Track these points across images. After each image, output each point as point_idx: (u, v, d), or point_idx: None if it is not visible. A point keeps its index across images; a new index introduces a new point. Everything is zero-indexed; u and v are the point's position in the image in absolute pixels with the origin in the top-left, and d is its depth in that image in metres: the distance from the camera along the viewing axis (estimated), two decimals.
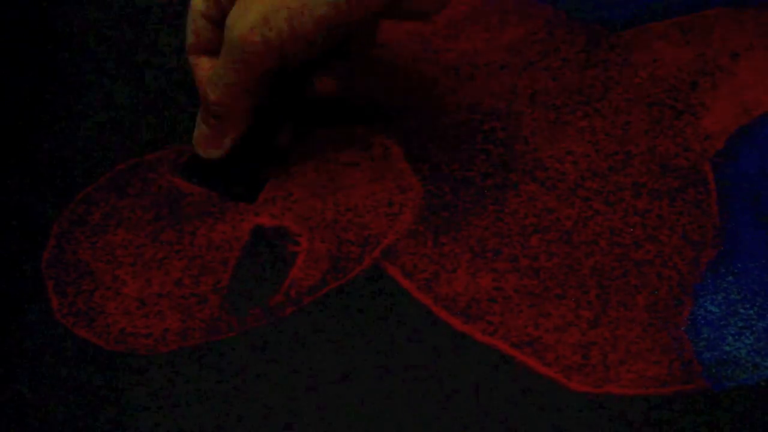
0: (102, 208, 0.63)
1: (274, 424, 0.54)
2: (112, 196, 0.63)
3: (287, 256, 0.60)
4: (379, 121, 0.65)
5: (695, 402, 0.53)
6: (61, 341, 0.58)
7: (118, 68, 0.70)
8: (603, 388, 0.54)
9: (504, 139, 0.64)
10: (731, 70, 0.66)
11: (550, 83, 0.67)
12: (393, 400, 0.55)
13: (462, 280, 0.59)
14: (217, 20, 0.61)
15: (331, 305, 0.58)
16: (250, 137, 0.62)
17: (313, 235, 0.61)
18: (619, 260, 0.59)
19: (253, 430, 0.54)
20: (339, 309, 0.58)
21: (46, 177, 0.65)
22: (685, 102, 0.65)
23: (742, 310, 0.56)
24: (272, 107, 0.62)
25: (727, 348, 0.55)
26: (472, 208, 0.61)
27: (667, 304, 0.57)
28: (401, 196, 0.62)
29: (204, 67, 0.62)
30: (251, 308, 0.58)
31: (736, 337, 0.55)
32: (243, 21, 0.58)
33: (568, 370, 0.55)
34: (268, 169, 0.63)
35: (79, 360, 0.57)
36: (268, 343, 0.57)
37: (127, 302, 0.59)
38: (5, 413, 0.55)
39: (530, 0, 0.71)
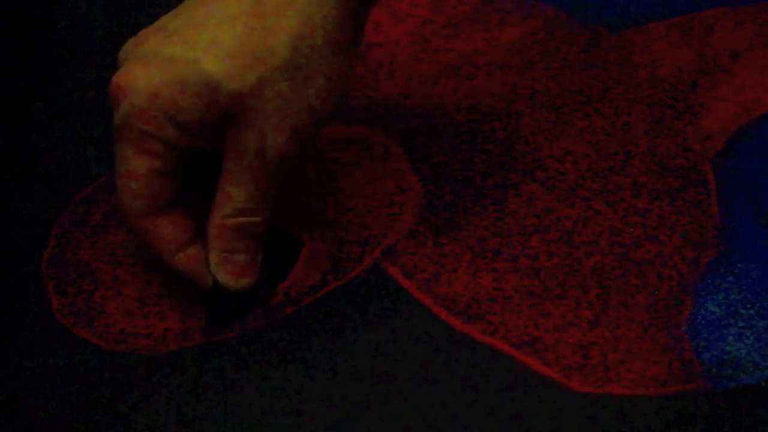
0: (102, 208, 0.63)
1: (274, 424, 0.54)
2: (112, 196, 0.63)
3: (287, 256, 0.60)
4: (379, 121, 0.65)
5: (695, 402, 0.53)
6: (61, 341, 0.58)
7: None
8: (603, 388, 0.54)
9: (504, 139, 0.64)
10: (731, 70, 0.66)
11: (550, 83, 0.67)
12: (393, 400, 0.55)
13: (462, 280, 0.59)
14: (176, 172, 0.56)
15: (331, 305, 0.58)
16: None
17: (313, 235, 0.61)
18: (619, 260, 0.59)
19: (253, 430, 0.54)
20: (339, 309, 0.58)
21: (46, 177, 0.65)
22: (685, 102, 0.65)
23: (742, 310, 0.56)
24: None
25: (728, 348, 0.55)
26: (472, 208, 0.61)
27: (667, 304, 0.57)
28: (401, 196, 0.62)
29: (164, 228, 0.56)
30: (251, 309, 0.58)
31: (737, 337, 0.55)
32: (274, 142, 0.55)
33: (568, 370, 0.55)
34: None
35: (79, 360, 0.57)
36: (268, 343, 0.57)
37: (127, 302, 0.59)
38: (5, 413, 0.55)
39: (530, 0, 0.71)
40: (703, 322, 0.56)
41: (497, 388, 0.54)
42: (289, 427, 0.54)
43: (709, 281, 0.58)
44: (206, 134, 0.55)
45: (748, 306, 0.57)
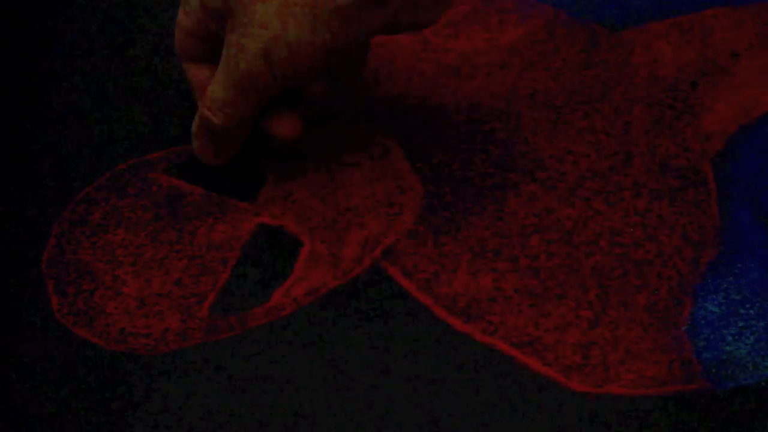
0: (102, 208, 0.63)
1: (275, 424, 0.54)
2: (112, 196, 0.63)
3: (287, 257, 0.60)
4: (379, 121, 0.65)
5: (695, 402, 0.53)
6: (61, 341, 0.58)
7: (118, 68, 0.70)
8: (603, 388, 0.54)
9: (504, 139, 0.64)
10: (731, 70, 0.66)
11: (550, 83, 0.67)
12: (393, 400, 0.55)
13: (462, 280, 0.59)
14: (202, 36, 0.62)
15: (331, 305, 0.58)
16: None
17: (313, 235, 0.61)
18: (619, 260, 0.59)
19: (254, 430, 0.54)
20: (339, 309, 0.58)
21: (46, 177, 0.65)
22: (685, 102, 0.65)
23: (742, 310, 0.56)
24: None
25: (727, 348, 0.55)
26: (472, 208, 0.61)
27: (667, 304, 0.57)
28: (401, 196, 0.62)
29: (194, 73, 0.63)
30: (251, 308, 0.58)
31: (736, 337, 0.55)
32: (245, 54, 0.58)
33: (568, 370, 0.55)
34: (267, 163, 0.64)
35: (79, 360, 0.57)
36: (268, 343, 0.57)
37: (127, 302, 0.59)
38: (5, 413, 0.55)
39: (530, 0, 0.71)
40: (702, 322, 0.56)
41: (497, 388, 0.54)
42: (289, 427, 0.54)
43: (709, 281, 0.58)
44: (215, 16, 0.60)
45: (748, 306, 0.57)
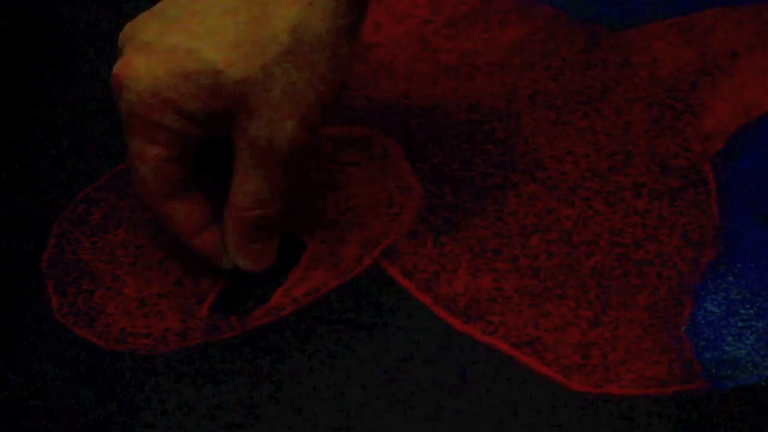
0: (102, 208, 0.63)
1: (274, 424, 0.54)
2: (112, 196, 0.63)
3: (287, 256, 0.60)
4: (379, 121, 0.65)
5: (695, 402, 0.53)
6: (61, 341, 0.58)
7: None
8: (603, 388, 0.54)
9: (504, 139, 0.64)
10: (731, 70, 0.66)
11: (550, 83, 0.67)
12: (393, 400, 0.55)
13: (462, 280, 0.59)
14: (182, 156, 0.56)
15: (331, 305, 0.58)
16: None
17: (313, 235, 0.61)
18: (619, 260, 0.59)
19: (254, 430, 0.54)
20: (339, 309, 0.58)
21: (46, 177, 0.65)
22: (685, 102, 0.65)
23: (742, 310, 0.56)
24: None
25: (727, 348, 0.55)
26: (472, 208, 0.61)
27: (667, 304, 0.57)
28: (401, 196, 0.62)
29: (181, 212, 0.57)
30: (251, 308, 0.58)
31: (736, 337, 0.55)
32: (282, 131, 0.55)
33: (568, 370, 0.55)
34: None
35: (79, 360, 0.57)
36: (268, 343, 0.57)
37: (127, 302, 0.59)
38: (5, 413, 0.55)
39: (530, 0, 0.71)
40: (702, 322, 0.56)
41: (497, 389, 0.54)
42: (289, 427, 0.54)
43: (709, 281, 0.58)
44: (213, 123, 0.55)
45: (748, 306, 0.57)
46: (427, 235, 0.61)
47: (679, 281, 0.58)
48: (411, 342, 0.56)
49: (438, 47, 0.69)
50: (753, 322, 0.56)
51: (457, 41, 0.69)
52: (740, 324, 0.56)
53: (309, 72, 0.55)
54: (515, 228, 0.60)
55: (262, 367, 0.56)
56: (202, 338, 0.57)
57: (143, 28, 0.56)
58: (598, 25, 0.69)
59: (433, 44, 0.69)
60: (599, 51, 0.68)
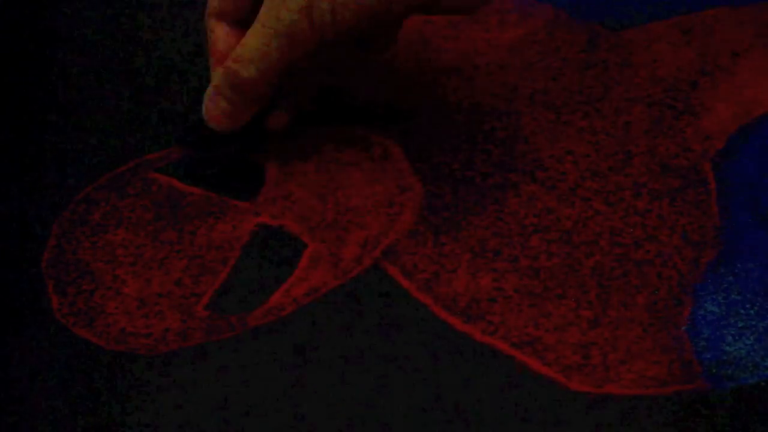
0: (102, 208, 0.63)
1: (274, 424, 0.54)
2: (112, 196, 0.63)
3: (287, 256, 0.60)
4: (379, 121, 0.65)
5: (695, 402, 0.53)
6: (61, 341, 0.58)
7: (118, 67, 0.70)
8: (603, 388, 0.54)
9: (504, 139, 0.64)
10: (731, 70, 0.66)
11: (550, 83, 0.67)
12: (393, 400, 0.55)
13: (462, 280, 0.59)
14: None
15: (331, 305, 0.58)
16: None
17: (313, 235, 0.61)
18: (619, 260, 0.59)
19: (253, 430, 0.54)
20: (339, 309, 0.58)
21: (46, 177, 0.65)
22: (685, 102, 0.65)
23: (742, 310, 0.56)
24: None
25: (727, 348, 0.55)
26: (472, 208, 0.61)
27: (667, 304, 0.57)
28: (401, 196, 0.62)
29: (220, 34, 0.62)
30: (251, 308, 0.58)
31: (736, 337, 0.55)
32: (287, 5, 0.58)
33: (568, 370, 0.55)
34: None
35: (79, 360, 0.57)
36: (268, 343, 0.57)
37: (127, 302, 0.59)
38: (5, 413, 0.55)
39: (530, 0, 0.71)
40: (702, 322, 0.56)
41: (497, 388, 0.54)
42: (289, 427, 0.54)
43: (709, 281, 0.58)
44: None
45: (748, 306, 0.57)
46: (427, 235, 0.61)
47: (679, 281, 0.58)
48: (411, 342, 0.56)
49: (438, 47, 0.69)
50: (753, 322, 0.56)
51: (457, 41, 0.69)
52: (740, 324, 0.56)
53: None
54: (515, 228, 0.60)
55: (263, 367, 0.56)
56: (202, 338, 0.57)
57: None
58: (598, 25, 0.69)
59: (433, 44, 0.69)
60: (599, 51, 0.68)
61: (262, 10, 0.59)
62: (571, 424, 0.53)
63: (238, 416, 0.54)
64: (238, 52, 0.59)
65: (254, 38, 0.59)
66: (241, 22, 0.62)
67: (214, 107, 0.61)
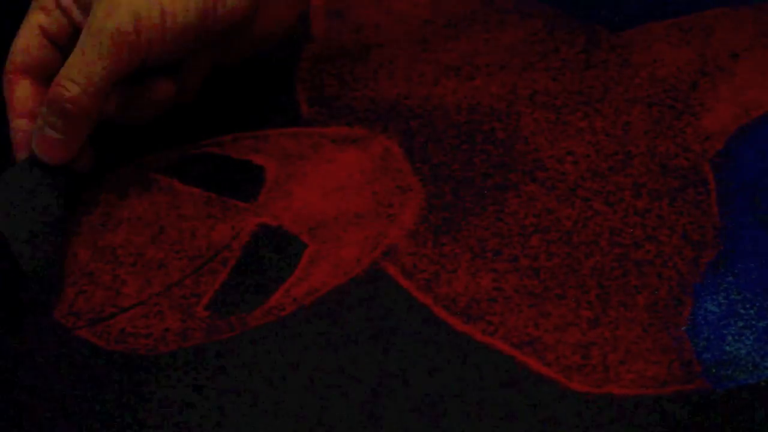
0: (102, 208, 0.63)
1: (274, 424, 0.54)
2: (112, 196, 0.63)
3: (287, 256, 0.60)
4: (379, 121, 0.65)
5: (695, 402, 0.53)
6: (61, 341, 0.58)
7: None
8: (603, 388, 0.54)
9: (504, 139, 0.64)
10: (731, 70, 0.66)
11: (550, 83, 0.67)
12: (393, 399, 0.55)
13: (462, 280, 0.59)
14: (60, 38, 0.60)
15: (331, 305, 0.58)
16: None
17: (313, 235, 0.61)
18: (619, 260, 0.59)
19: (253, 430, 0.54)
20: (339, 309, 0.58)
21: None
22: (685, 102, 0.65)
23: (742, 310, 0.56)
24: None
25: (727, 348, 0.55)
26: (472, 209, 0.61)
27: (667, 304, 0.57)
28: (401, 196, 0.62)
29: (24, 88, 0.60)
30: (251, 308, 0.58)
31: (736, 337, 0.55)
32: (116, 14, 0.57)
33: (568, 370, 0.55)
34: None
35: (79, 360, 0.57)
36: (268, 343, 0.57)
37: (127, 302, 0.59)
38: (5, 413, 0.55)
39: (530, 0, 0.71)
40: (702, 322, 0.56)
41: (497, 388, 0.54)
42: (289, 427, 0.54)
43: (709, 281, 0.58)
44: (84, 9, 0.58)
45: (748, 306, 0.57)
46: (427, 235, 0.61)
47: (679, 281, 0.58)
48: (411, 342, 0.56)
49: (438, 47, 0.69)
50: (753, 322, 0.56)
51: (457, 41, 0.69)
52: (740, 324, 0.56)
53: None
54: (515, 228, 0.60)
55: (262, 367, 0.56)
56: (202, 338, 0.57)
57: None
58: (598, 25, 0.69)
59: (433, 44, 0.69)
60: (599, 51, 0.68)
61: (87, 21, 0.58)
62: (571, 424, 0.53)
63: (238, 416, 0.54)
64: (61, 73, 0.58)
65: (77, 52, 0.57)
66: (48, 79, 0.59)
67: (39, 137, 0.58)
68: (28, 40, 0.60)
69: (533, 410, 0.54)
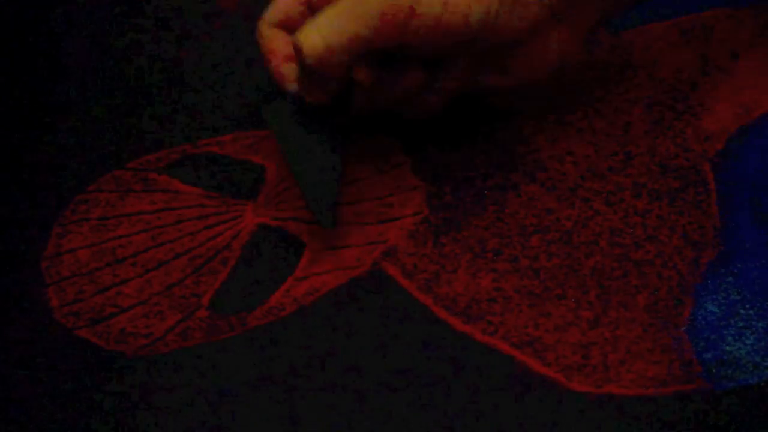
0: (102, 208, 0.63)
1: (274, 424, 0.54)
2: (112, 196, 0.63)
3: (287, 256, 0.60)
4: (381, 122, 0.65)
5: (695, 402, 0.53)
6: (61, 341, 0.58)
7: (118, 68, 0.70)
8: (603, 388, 0.54)
9: (504, 139, 0.64)
10: (731, 70, 0.66)
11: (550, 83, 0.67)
12: (393, 399, 0.55)
13: (462, 280, 0.59)
14: (319, 5, 0.60)
15: (331, 305, 0.58)
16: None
17: (314, 235, 0.61)
18: (619, 260, 0.59)
19: (253, 430, 0.54)
20: (339, 309, 0.58)
21: (46, 177, 0.65)
22: (685, 102, 0.65)
23: (742, 311, 0.56)
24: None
25: (727, 348, 0.55)
26: (472, 209, 0.61)
27: (667, 304, 0.57)
28: (401, 196, 0.62)
29: (278, 41, 0.62)
30: (251, 308, 0.58)
31: (736, 337, 0.55)
32: None
33: (568, 370, 0.55)
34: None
35: (79, 360, 0.57)
36: (268, 343, 0.57)
37: (127, 302, 0.59)
38: (5, 413, 0.55)
39: None
40: (703, 322, 0.56)
41: (497, 388, 0.55)
42: (289, 427, 0.54)
43: (709, 281, 0.58)
44: None
45: (748, 306, 0.57)
46: (427, 235, 0.61)
47: (679, 281, 0.58)
48: (411, 342, 0.56)
49: None
50: (753, 322, 0.56)
51: None
52: (740, 324, 0.56)
53: None
54: (515, 228, 0.60)
55: (262, 367, 0.56)
56: (202, 338, 0.57)
57: None
58: None
59: None
60: (599, 51, 0.68)
61: None
62: (571, 424, 0.53)
63: (238, 416, 0.55)
64: (310, 25, 0.57)
65: (331, 13, 0.57)
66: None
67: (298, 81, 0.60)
68: (288, 1, 0.62)
69: (533, 410, 0.54)
